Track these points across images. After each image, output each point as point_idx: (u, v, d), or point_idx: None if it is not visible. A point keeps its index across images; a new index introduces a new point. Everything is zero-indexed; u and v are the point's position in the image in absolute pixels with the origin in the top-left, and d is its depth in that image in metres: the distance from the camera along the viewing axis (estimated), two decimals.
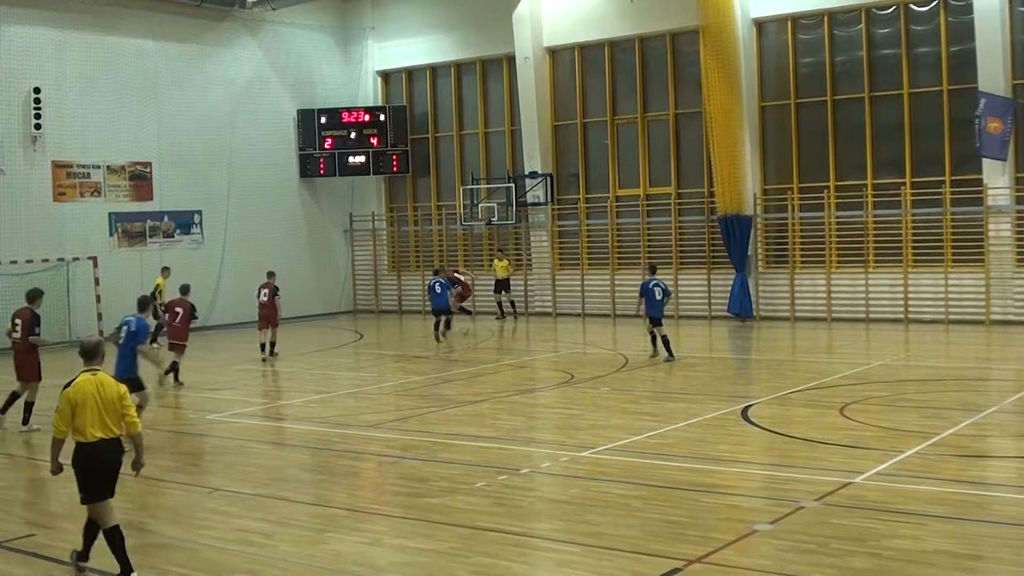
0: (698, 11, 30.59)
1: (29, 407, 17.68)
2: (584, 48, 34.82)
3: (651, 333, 23.60)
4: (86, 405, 9.75)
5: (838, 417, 16.28)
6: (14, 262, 29.34)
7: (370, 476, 14.58)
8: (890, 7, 29.85)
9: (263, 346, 26.01)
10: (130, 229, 33.04)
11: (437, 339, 28.31)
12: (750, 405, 17.34)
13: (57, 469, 10.23)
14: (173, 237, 34.09)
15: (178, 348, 22.49)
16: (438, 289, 29.07)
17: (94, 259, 31.16)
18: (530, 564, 10.12)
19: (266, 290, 25.98)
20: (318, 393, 20.87)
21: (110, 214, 32.51)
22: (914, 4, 29.56)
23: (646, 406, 18.29)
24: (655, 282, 23.43)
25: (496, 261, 35.04)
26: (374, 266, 39.26)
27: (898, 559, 9.52)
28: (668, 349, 23.13)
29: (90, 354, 10.12)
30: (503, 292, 34.95)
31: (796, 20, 31.21)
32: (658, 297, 23.20)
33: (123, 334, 16.21)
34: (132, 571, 9.64)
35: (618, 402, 18.74)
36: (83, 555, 10.11)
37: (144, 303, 17.70)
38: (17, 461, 15.51)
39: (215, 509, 12.31)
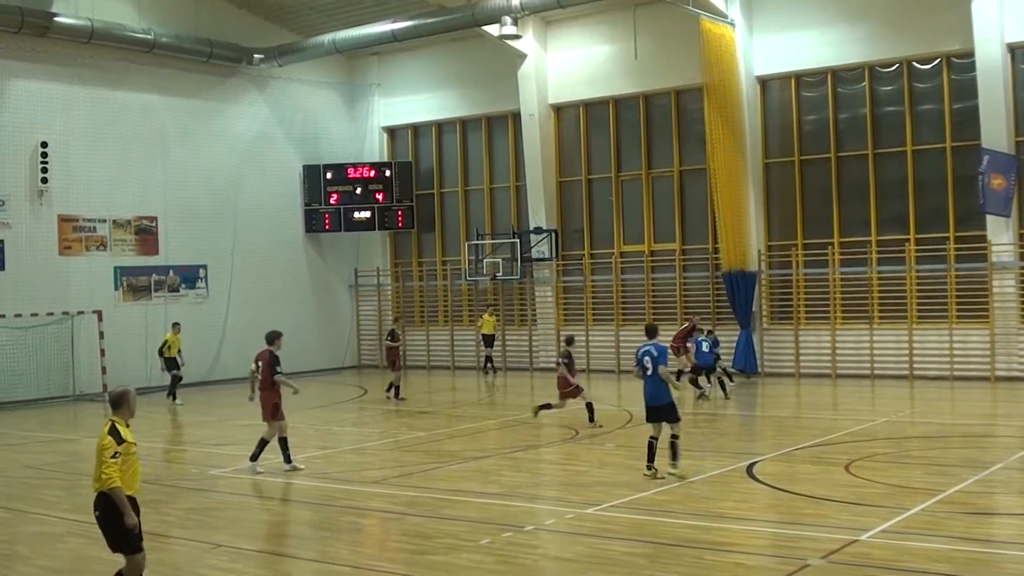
0: (702, 69, 30.75)
1: (263, 445, 18.22)
2: (589, 105, 35.02)
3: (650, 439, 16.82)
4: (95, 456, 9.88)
5: (843, 474, 16.22)
6: (19, 315, 29.39)
7: (373, 533, 14.50)
8: (893, 65, 30.03)
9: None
10: (135, 283, 33.10)
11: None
12: (755, 462, 17.27)
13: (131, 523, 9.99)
14: (178, 291, 34.14)
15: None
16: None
17: (99, 313, 31.19)
18: None
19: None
20: (321, 449, 20.80)
21: (115, 268, 32.58)
22: (917, 62, 29.73)
23: (641, 462, 18.20)
24: (644, 349, 16.86)
25: (485, 316, 35.21)
26: (379, 321, 39.25)
27: None
28: (675, 455, 16.51)
29: (112, 404, 10.21)
30: (489, 347, 35.36)
31: (799, 78, 31.40)
32: (649, 371, 16.66)
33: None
34: None
35: (623, 458, 18.68)
36: None
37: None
38: (18, 515, 15.45)
39: (217, 565, 12.25)
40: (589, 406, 22.76)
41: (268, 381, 18.23)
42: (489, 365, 35.59)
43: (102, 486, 9.80)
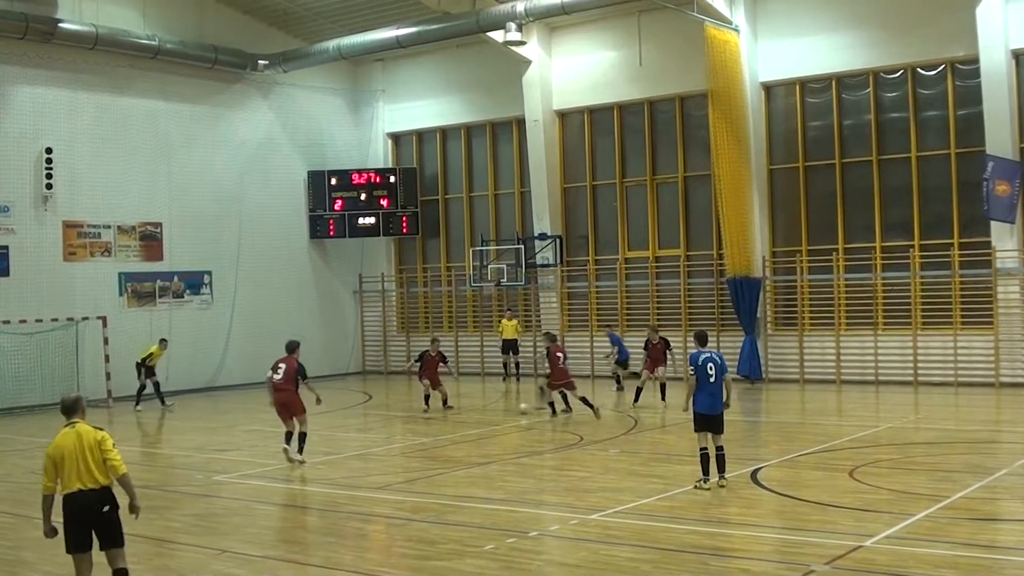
0: (707, 75, 30.76)
1: (303, 438, 19.57)
2: (593, 111, 35.05)
3: (703, 450, 15.86)
4: (65, 459, 10.17)
5: (848, 480, 16.22)
6: (24, 321, 29.43)
7: (378, 538, 14.51)
8: (897, 71, 30.05)
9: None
10: (140, 289, 33.13)
11: None
12: (759, 468, 17.27)
13: (50, 531, 10.39)
14: (183, 297, 34.17)
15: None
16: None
17: (103, 319, 31.24)
18: None
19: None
20: (326, 454, 20.81)
21: (120, 274, 32.62)
22: (921, 68, 29.75)
23: (656, 468, 18.24)
24: (706, 356, 15.95)
25: (505, 321, 35.04)
26: (383, 327, 39.28)
27: None
28: (710, 467, 15.87)
29: (69, 409, 10.56)
30: (511, 353, 34.88)
31: (804, 84, 31.42)
32: (712, 379, 15.79)
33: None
34: None
35: (627, 464, 18.69)
36: None
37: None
38: (24, 520, 15.47)
39: (223, 571, 12.26)
40: (584, 399, 24.69)
41: (294, 384, 19.56)
42: (515, 372, 34.79)
43: (115, 474, 10.29)
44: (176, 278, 34.06)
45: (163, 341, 29.85)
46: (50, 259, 30.82)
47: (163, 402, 29.17)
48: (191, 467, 20.50)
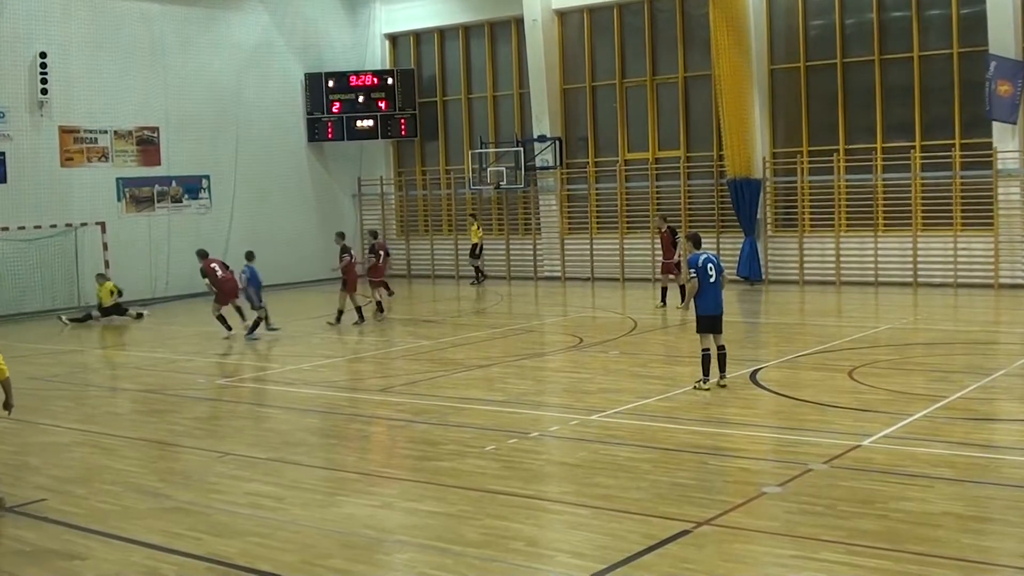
0: None
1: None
2: (593, 11, 34.65)
3: (705, 352, 16.02)
4: None
5: (846, 380, 16.30)
6: (22, 228, 29.38)
7: (380, 440, 14.63)
8: None
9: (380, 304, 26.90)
10: (138, 194, 33.03)
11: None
12: (759, 369, 17.35)
13: None
14: (181, 202, 34.08)
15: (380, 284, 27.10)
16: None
17: (102, 224, 31.19)
18: (540, 526, 10.16)
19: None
20: (327, 358, 20.91)
21: (118, 179, 32.49)
22: None
23: (655, 370, 18.34)
24: (705, 257, 16.07)
25: (470, 226, 35.13)
26: (382, 230, 39.21)
27: (905, 521, 9.55)
28: (724, 366, 16.12)
29: None
30: (475, 257, 35.31)
31: None
32: (713, 279, 15.97)
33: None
34: None
35: (627, 366, 18.78)
36: None
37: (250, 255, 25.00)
38: (28, 425, 15.57)
39: (226, 473, 12.37)
40: (379, 304, 26.70)
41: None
42: (479, 275, 35.36)
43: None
44: (174, 183, 33.93)
45: (99, 276, 29.05)
46: (47, 165, 30.65)
47: (136, 316, 28.58)
48: (193, 371, 20.60)
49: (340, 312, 25.45)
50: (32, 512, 11.01)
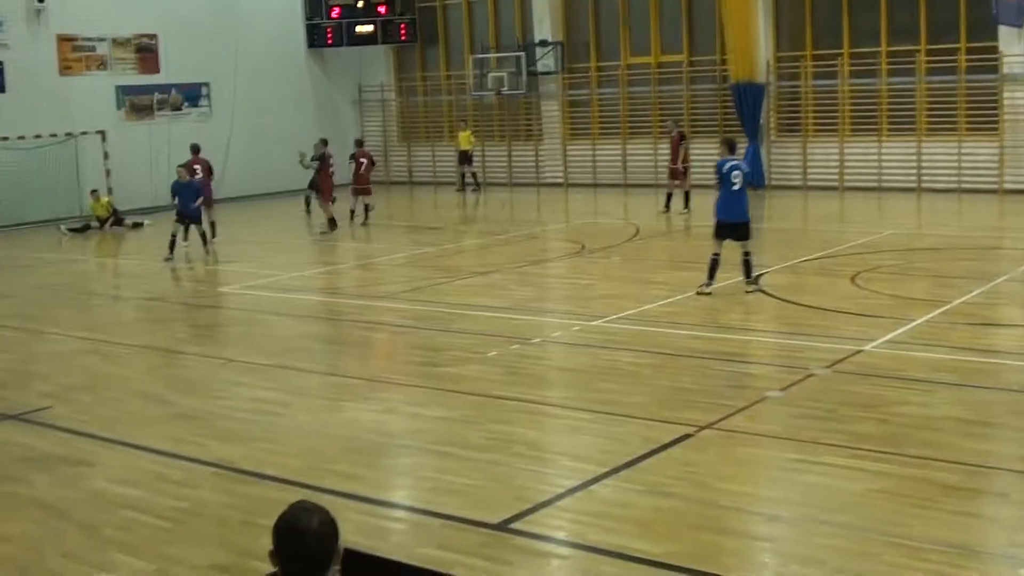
0: None
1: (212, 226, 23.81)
2: None
3: (715, 257, 15.88)
4: None
5: (849, 286, 16.32)
6: (22, 137, 29.22)
7: (383, 346, 14.69)
8: None
9: (353, 212, 26.78)
10: (137, 102, 32.79)
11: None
12: (761, 274, 17.33)
13: None
14: (181, 110, 33.86)
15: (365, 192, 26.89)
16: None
17: (102, 133, 31.01)
18: (542, 431, 10.24)
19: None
20: (329, 264, 20.93)
21: (117, 87, 32.23)
22: None
23: (657, 275, 18.34)
24: (733, 163, 16.03)
25: (460, 132, 34.95)
26: (383, 137, 39.01)
27: (907, 425, 9.61)
28: (748, 273, 16.06)
29: None
30: (466, 164, 34.97)
31: None
32: (736, 186, 15.86)
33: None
34: None
35: (629, 272, 18.79)
36: None
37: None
38: (33, 334, 15.64)
39: (230, 380, 12.44)
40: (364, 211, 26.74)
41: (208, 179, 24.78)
42: (473, 182, 35.10)
43: None
44: (174, 91, 33.66)
45: (93, 192, 28.76)
46: (46, 74, 30.37)
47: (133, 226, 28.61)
48: (194, 279, 20.65)
49: (330, 220, 25.32)
50: (39, 419, 11.09)
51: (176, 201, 22.63)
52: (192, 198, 22.52)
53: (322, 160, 25.88)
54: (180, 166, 23.81)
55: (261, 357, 13.33)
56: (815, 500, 8.12)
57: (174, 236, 22.21)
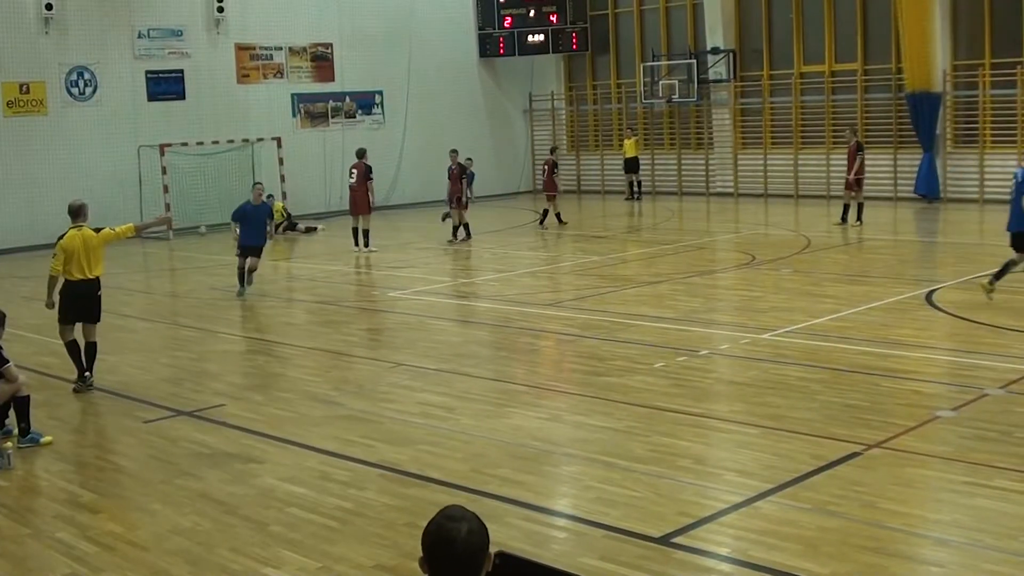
0: None
1: (366, 234, 24.13)
2: None
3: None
4: (74, 254, 12.44)
5: None
6: (200, 143, 30.12)
7: (549, 354, 14.74)
8: None
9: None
10: (312, 110, 33.55)
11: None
12: (935, 289, 16.93)
13: (50, 304, 12.89)
14: (355, 118, 34.51)
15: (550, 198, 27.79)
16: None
17: (278, 140, 31.78)
18: (708, 444, 10.15)
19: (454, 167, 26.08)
20: (498, 272, 21.08)
21: (292, 95, 33.04)
22: None
23: (828, 289, 18.01)
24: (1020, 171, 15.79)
25: (626, 140, 34.81)
26: (553, 146, 39.12)
27: None
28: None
29: (75, 214, 12.69)
30: (632, 172, 35.00)
31: None
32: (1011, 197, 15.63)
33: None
34: (88, 372, 12.75)
35: (799, 284, 18.50)
36: (79, 370, 12.78)
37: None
38: (208, 334, 16.10)
39: (397, 383, 12.62)
40: (546, 212, 27.67)
41: (363, 186, 24.04)
42: (638, 191, 35.17)
43: (129, 232, 13.28)
44: (348, 99, 34.35)
45: (269, 197, 27.87)
46: (224, 82, 31.31)
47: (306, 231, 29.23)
48: (366, 284, 21.01)
49: (457, 227, 25.47)
50: (212, 417, 11.43)
51: (238, 231, 19.42)
52: (261, 225, 19.38)
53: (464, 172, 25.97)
54: (257, 183, 21.10)
55: (429, 361, 13.51)
56: (986, 525, 7.87)
57: (240, 270, 19.18)
